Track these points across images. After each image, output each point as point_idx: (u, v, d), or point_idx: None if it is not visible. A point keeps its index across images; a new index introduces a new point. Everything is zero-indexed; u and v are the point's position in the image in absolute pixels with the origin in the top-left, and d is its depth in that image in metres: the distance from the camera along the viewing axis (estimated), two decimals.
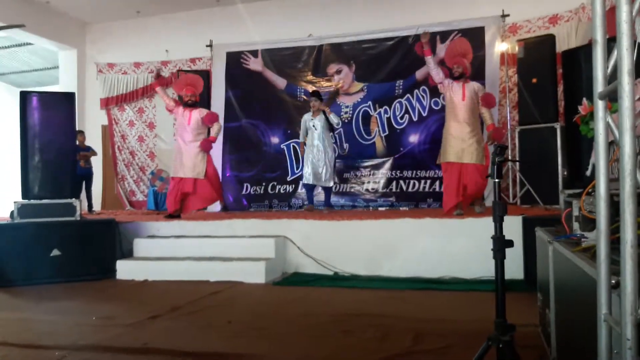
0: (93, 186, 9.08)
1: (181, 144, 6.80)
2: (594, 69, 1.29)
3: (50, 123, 5.97)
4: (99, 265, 5.77)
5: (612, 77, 1.29)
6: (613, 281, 1.35)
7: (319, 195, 7.38)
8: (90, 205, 8.94)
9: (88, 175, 8.83)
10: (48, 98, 6.19)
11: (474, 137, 5.69)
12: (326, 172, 6.91)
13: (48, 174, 5.92)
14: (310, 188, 7.15)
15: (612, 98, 1.25)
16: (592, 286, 1.61)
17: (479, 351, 2.15)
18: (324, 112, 6.94)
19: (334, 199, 8.01)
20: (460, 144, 5.69)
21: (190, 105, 6.80)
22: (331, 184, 7.07)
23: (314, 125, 6.98)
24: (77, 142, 8.85)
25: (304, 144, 7.17)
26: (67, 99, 6.22)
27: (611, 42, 1.34)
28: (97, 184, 9.15)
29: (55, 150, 5.97)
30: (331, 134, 7.17)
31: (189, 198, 6.81)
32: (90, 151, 8.77)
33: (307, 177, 6.99)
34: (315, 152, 6.94)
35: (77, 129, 6.76)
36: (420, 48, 5.96)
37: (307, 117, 7.09)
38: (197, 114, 6.78)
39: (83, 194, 8.59)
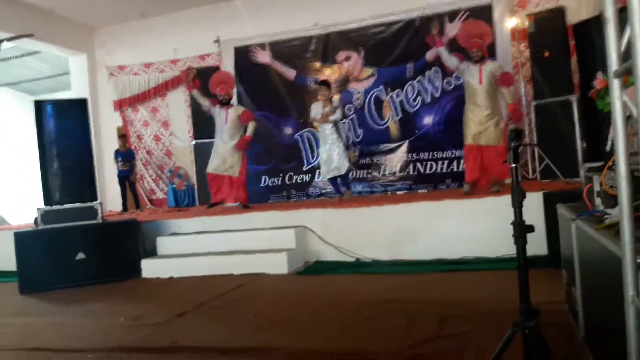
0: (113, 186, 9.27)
1: (219, 143, 6.96)
2: (606, 48, 1.26)
3: (65, 130, 6.04)
4: (124, 266, 5.84)
5: (626, 52, 1.26)
6: (639, 260, 1.33)
7: (319, 183, 7.31)
8: (137, 203, 9.17)
9: (129, 177, 9.04)
10: (61, 105, 6.26)
11: (491, 120, 5.66)
12: (339, 160, 6.63)
13: (67, 179, 6.01)
14: (333, 180, 6.90)
15: (627, 73, 1.22)
16: (618, 264, 1.59)
17: (503, 339, 2.13)
18: (331, 100, 6.70)
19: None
20: (477, 127, 5.67)
21: (225, 103, 6.91)
22: (345, 170, 6.71)
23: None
24: (119, 147, 9.04)
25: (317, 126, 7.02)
26: (80, 104, 6.29)
27: (622, 13, 1.31)
28: (117, 186, 9.27)
29: (72, 156, 6.05)
30: (342, 120, 6.93)
31: (225, 192, 6.99)
32: (126, 158, 8.96)
33: (325, 174, 6.82)
34: (329, 143, 6.65)
35: (93, 132, 6.81)
36: (432, 40, 5.91)
37: (315, 107, 6.76)
38: (234, 112, 6.92)
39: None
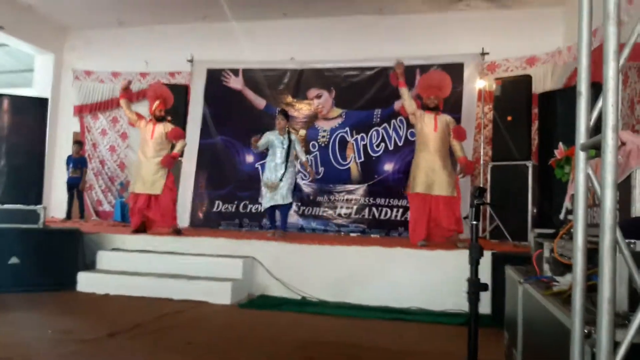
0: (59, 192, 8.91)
1: (142, 158, 6.59)
2: (577, 120, 1.30)
3: (20, 127, 5.84)
4: (59, 276, 5.59)
5: (594, 127, 1.30)
6: (585, 330, 1.35)
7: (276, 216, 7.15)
8: (82, 213, 8.87)
9: (77, 184, 8.74)
10: (20, 102, 6.07)
11: (445, 169, 5.72)
12: (285, 189, 6.44)
13: (13, 178, 5.77)
14: (272, 212, 6.76)
15: (595, 147, 1.26)
16: (563, 332, 1.61)
17: None
18: (289, 131, 6.64)
19: (303, 221, 7.97)
20: (430, 175, 5.69)
21: (159, 120, 6.64)
22: (288, 201, 6.53)
23: (281, 143, 6.55)
24: (72, 153, 8.73)
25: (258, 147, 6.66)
26: (40, 104, 6.12)
27: (593, 88, 1.36)
28: (64, 192, 8.95)
29: (23, 155, 5.83)
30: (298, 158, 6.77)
31: (149, 215, 6.61)
32: (78, 165, 8.66)
33: (267, 201, 6.58)
34: (275, 171, 6.50)
35: (47, 134, 6.57)
36: (395, 79, 5.93)
37: (271, 135, 6.61)
38: (162, 127, 6.59)
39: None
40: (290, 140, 6.59)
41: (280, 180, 6.45)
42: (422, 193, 5.72)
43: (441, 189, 5.67)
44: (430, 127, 5.76)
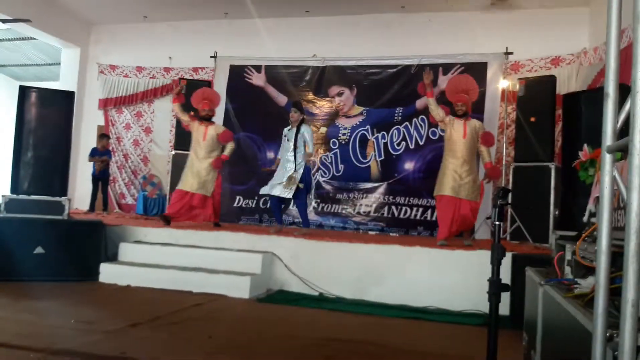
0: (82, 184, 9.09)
1: (194, 159, 6.80)
2: (603, 122, 1.29)
3: (47, 120, 5.94)
4: (82, 267, 5.67)
5: (621, 130, 1.29)
6: (607, 334, 1.34)
7: (293, 212, 7.04)
8: (105, 205, 9.00)
9: (104, 179, 8.88)
10: (47, 95, 6.17)
11: (470, 175, 5.74)
12: (288, 181, 6.23)
13: (39, 170, 5.86)
14: (275, 206, 6.63)
15: (621, 150, 1.25)
16: (583, 335, 1.59)
17: None
18: (301, 123, 6.40)
19: (322, 218, 7.99)
20: (458, 180, 5.71)
21: (206, 119, 6.82)
22: (285, 195, 6.28)
23: (287, 138, 6.51)
24: (99, 146, 8.86)
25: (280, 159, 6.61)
26: (67, 97, 6.20)
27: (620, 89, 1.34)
28: (88, 185, 9.09)
29: (49, 147, 5.92)
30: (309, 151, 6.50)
31: (193, 211, 6.83)
32: (103, 157, 8.77)
33: (264, 188, 6.50)
34: (284, 168, 6.38)
35: (73, 128, 6.66)
36: (423, 89, 5.94)
37: (285, 130, 6.59)
38: (213, 130, 6.81)
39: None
40: (297, 132, 6.37)
41: (290, 173, 6.29)
42: (448, 195, 5.73)
43: (467, 194, 5.70)
44: (459, 134, 5.75)
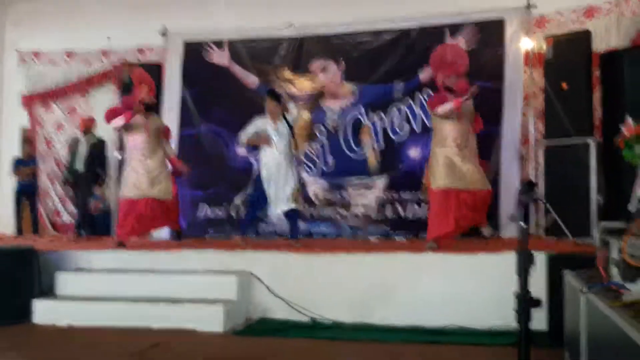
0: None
1: (137, 159, 6.72)
2: None
3: None
4: (10, 306, 5.61)
5: None
6: None
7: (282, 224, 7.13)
8: (35, 226, 8.97)
9: (30, 193, 8.78)
10: None
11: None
12: (289, 191, 6.51)
13: None
14: (293, 216, 6.76)
15: None
16: (636, 352, 1.56)
17: None
18: (284, 116, 6.61)
19: (311, 225, 7.97)
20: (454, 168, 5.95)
21: (148, 109, 6.78)
22: (292, 206, 6.55)
23: (277, 133, 6.55)
24: (23, 154, 8.77)
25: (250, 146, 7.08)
26: None
27: None
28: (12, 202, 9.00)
29: None
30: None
31: (151, 221, 6.81)
32: (30, 166, 8.69)
33: (273, 208, 6.67)
34: (275, 170, 6.54)
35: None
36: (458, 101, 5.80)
37: (260, 122, 6.67)
38: (154, 122, 6.86)
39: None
40: (289, 127, 6.59)
41: (285, 183, 6.51)
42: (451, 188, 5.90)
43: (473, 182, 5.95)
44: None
